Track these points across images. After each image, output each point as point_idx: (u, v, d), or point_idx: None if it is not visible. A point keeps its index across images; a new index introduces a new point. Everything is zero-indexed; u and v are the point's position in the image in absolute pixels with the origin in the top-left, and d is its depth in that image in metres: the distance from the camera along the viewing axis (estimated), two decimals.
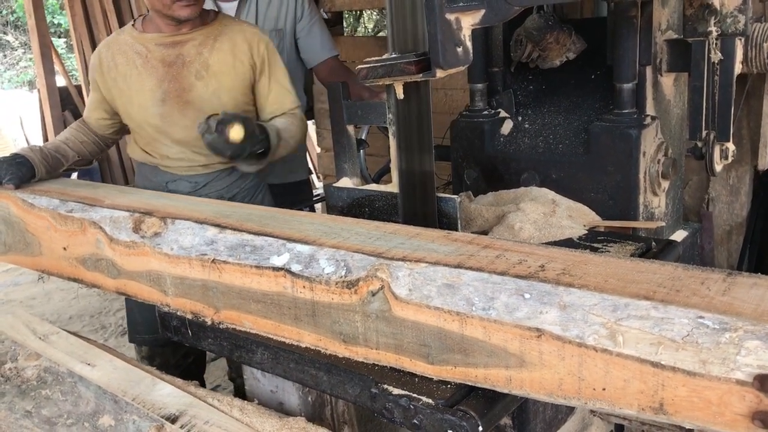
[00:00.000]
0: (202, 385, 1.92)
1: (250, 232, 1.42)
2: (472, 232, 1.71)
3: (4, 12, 13.00)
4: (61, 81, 6.40)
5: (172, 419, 1.35)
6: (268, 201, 2.42)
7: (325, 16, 3.99)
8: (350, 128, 1.99)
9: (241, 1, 2.78)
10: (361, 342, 1.24)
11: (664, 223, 1.96)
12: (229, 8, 2.78)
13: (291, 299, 1.32)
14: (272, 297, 1.35)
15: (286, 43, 2.86)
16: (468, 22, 1.36)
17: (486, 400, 1.14)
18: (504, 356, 1.07)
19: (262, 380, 1.56)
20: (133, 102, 2.18)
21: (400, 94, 1.50)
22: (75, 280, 1.80)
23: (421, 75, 1.41)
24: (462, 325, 1.10)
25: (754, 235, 2.64)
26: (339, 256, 1.26)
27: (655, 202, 1.94)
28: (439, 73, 1.38)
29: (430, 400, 1.15)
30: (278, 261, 1.32)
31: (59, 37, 11.68)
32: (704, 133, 1.80)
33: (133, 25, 2.22)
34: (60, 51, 8.73)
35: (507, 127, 2.11)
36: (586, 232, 1.79)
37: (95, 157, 2.36)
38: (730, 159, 1.89)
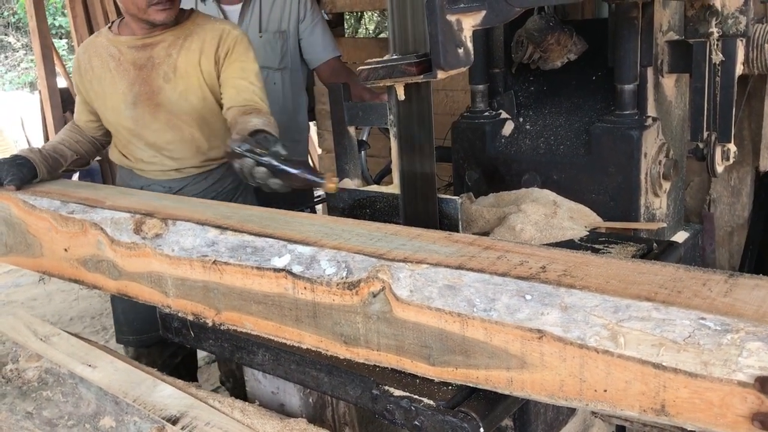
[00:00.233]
0: None
1: (251, 234, 1.41)
2: (473, 234, 1.71)
3: (6, 13, 13.02)
4: (62, 82, 6.40)
5: (173, 420, 1.35)
6: (250, 203, 2.37)
7: (327, 17, 3.99)
8: (351, 129, 1.99)
9: (245, 3, 2.79)
10: (362, 343, 1.24)
11: (665, 225, 1.96)
12: (233, 11, 2.79)
13: (292, 300, 1.32)
14: (273, 298, 1.35)
15: (289, 44, 2.86)
16: (469, 24, 1.36)
17: (487, 401, 1.14)
18: (505, 357, 1.07)
19: (263, 381, 1.56)
20: (107, 105, 2.18)
21: (401, 96, 1.50)
22: (76, 281, 1.80)
23: (422, 76, 1.41)
24: (463, 326, 1.10)
25: (756, 237, 2.64)
26: (340, 257, 1.26)
27: (657, 203, 1.94)
28: (440, 75, 1.38)
29: (431, 402, 1.15)
30: (279, 262, 1.32)
31: (60, 38, 11.70)
32: (705, 134, 1.80)
33: (109, 27, 2.22)
34: (61, 52, 8.74)
35: (508, 128, 2.11)
36: (588, 233, 1.79)
37: (92, 157, 2.36)
38: (731, 160, 1.89)
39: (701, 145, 1.83)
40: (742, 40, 1.75)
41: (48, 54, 5.88)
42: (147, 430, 1.36)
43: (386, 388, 1.20)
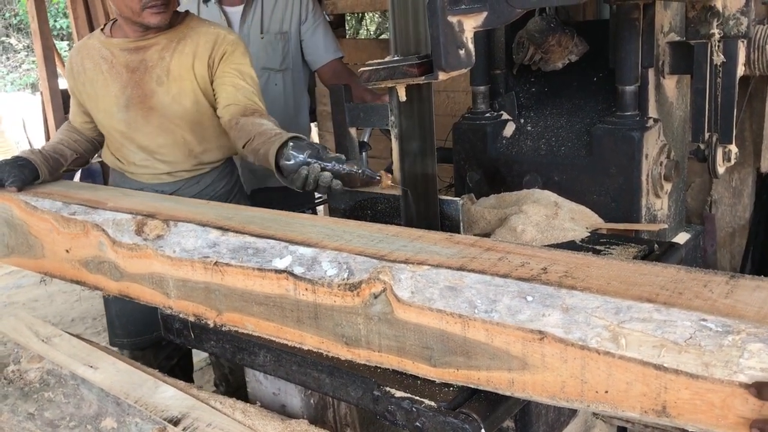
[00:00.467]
0: None
1: (252, 235, 1.42)
2: (475, 235, 1.71)
3: (7, 15, 13.05)
4: (63, 84, 6.40)
5: (175, 422, 1.35)
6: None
7: (328, 19, 4.00)
8: (353, 131, 1.99)
9: (246, 5, 2.79)
10: (364, 344, 1.24)
11: (666, 226, 1.96)
12: (235, 12, 2.80)
13: (293, 302, 1.32)
14: (275, 299, 1.35)
15: (291, 46, 2.86)
16: (470, 25, 1.36)
17: (488, 402, 1.14)
18: (506, 359, 1.07)
19: (265, 383, 1.56)
20: (99, 107, 2.18)
21: (403, 97, 1.50)
22: (78, 282, 1.80)
23: (423, 77, 1.41)
24: (464, 327, 1.10)
25: (757, 238, 2.64)
26: (341, 258, 1.27)
27: (658, 204, 1.94)
28: (442, 76, 1.38)
29: (432, 403, 1.15)
30: (281, 263, 1.32)
31: (62, 39, 11.71)
32: (707, 135, 1.80)
33: (102, 30, 2.21)
34: (63, 54, 8.75)
35: (509, 129, 2.11)
36: (589, 234, 1.79)
37: (91, 155, 2.36)
38: (732, 161, 1.88)
39: (702, 146, 1.83)
40: (743, 41, 1.75)
41: (49, 55, 5.89)
42: (148, 431, 1.36)
43: (387, 389, 1.20)
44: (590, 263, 1.14)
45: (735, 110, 1.77)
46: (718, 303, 0.96)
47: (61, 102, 6.03)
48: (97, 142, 2.35)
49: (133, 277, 1.61)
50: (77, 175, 5.44)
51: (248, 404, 1.43)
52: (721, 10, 1.67)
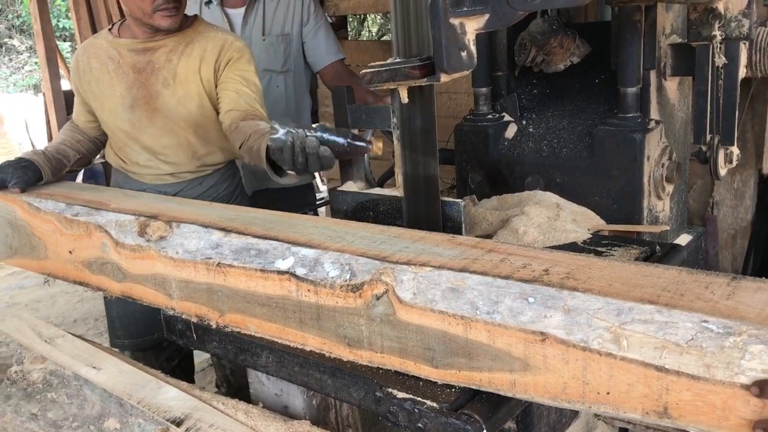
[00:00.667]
0: None
1: (255, 236, 1.42)
2: (477, 236, 1.72)
3: (10, 16, 13.07)
4: (66, 85, 6.42)
5: (178, 422, 1.36)
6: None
7: (330, 20, 4.00)
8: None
9: (248, 7, 2.79)
10: (366, 346, 1.25)
11: (668, 227, 1.96)
12: (236, 14, 2.80)
13: (296, 303, 1.32)
14: (277, 300, 1.35)
15: (293, 47, 2.87)
16: (472, 27, 1.37)
17: (490, 403, 1.14)
18: (508, 360, 1.07)
19: (267, 384, 1.57)
20: (104, 107, 2.19)
21: (405, 99, 1.50)
22: (80, 283, 1.81)
23: (425, 79, 1.41)
24: (466, 328, 1.10)
25: (759, 239, 2.64)
26: (343, 259, 1.27)
27: (660, 206, 1.94)
28: (444, 78, 1.38)
29: (434, 404, 1.15)
30: (283, 265, 1.33)
31: (65, 41, 11.73)
32: (709, 137, 1.80)
33: (109, 29, 2.22)
34: (65, 55, 8.77)
35: (511, 131, 2.11)
36: (591, 236, 1.79)
37: (93, 155, 2.37)
38: (734, 163, 1.89)
39: (704, 148, 1.83)
40: (745, 43, 1.76)
41: (52, 56, 5.90)
42: (151, 431, 1.37)
43: (389, 390, 1.20)
44: (592, 265, 1.14)
45: (737, 112, 1.77)
46: (720, 304, 0.97)
47: (64, 103, 6.04)
48: (100, 141, 2.36)
49: (135, 278, 1.62)
50: (80, 176, 5.45)
51: (251, 405, 1.43)
52: (722, 12, 1.67)
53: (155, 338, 2.28)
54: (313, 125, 1.56)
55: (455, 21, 1.34)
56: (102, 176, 5.91)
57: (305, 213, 2.53)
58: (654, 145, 1.85)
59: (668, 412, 0.95)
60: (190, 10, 2.45)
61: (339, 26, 4.34)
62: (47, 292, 4.66)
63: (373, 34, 9.95)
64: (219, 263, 1.42)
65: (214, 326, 1.49)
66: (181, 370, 2.52)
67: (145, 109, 2.13)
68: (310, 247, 1.33)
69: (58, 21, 11.39)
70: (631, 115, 1.84)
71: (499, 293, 1.09)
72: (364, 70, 1.47)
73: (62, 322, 4.23)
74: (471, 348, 1.11)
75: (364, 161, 2.02)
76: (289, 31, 2.85)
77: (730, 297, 0.99)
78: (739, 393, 0.88)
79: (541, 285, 1.07)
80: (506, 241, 1.74)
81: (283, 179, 1.67)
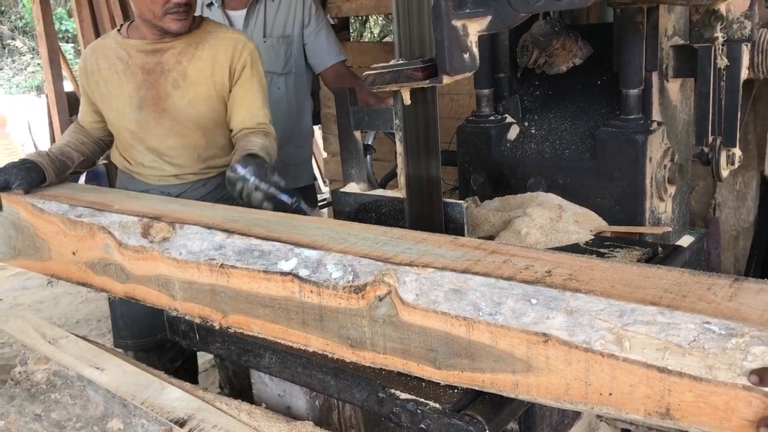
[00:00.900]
0: None
1: (258, 237, 1.42)
2: (479, 238, 1.72)
3: (13, 18, 13.09)
4: (69, 86, 6.43)
5: (181, 423, 1.36)
6: None
7: (332, 22, 4.01)
8: (357, 134, 1.99)
9: (249, 9, 2.80)
10: (369, 347, 1.25)
11: (670, 229, 1.96)
12: (238, 16, 2.81)
13: (298, 304, 1.32)
14: (280, 302, 1.35)
15: (294, 49, 2.87)
16: (475, 29, 1.37)
17: (493, 404, 1.15)
18: (511, 361, 1.07)
19: (270, 384, 1.57)
20: (111, 107, 2.20)
21: (407, 100, 1.51)
22: (84, 284, 1.81)
23: (427, 81, 1.41)
24: (469, 330, 1.10)
25: (761, 241, 2.64)
26: (346, 261, 1.27)
27: (662, 207, 1.94)
28: (446, 80, 1.38)
29: (437, 405, 1.15)
30: (286, 266, 1.33)
31: (67, 42, 11.75)
32: (711, 138, 1.80)
33: (118, 30, 2.23)
34: (68, 56, 8.78)
35: (513, 132, 2.11)
36: (593, 237, 1.80)
37: (97, 157, 2.38)
38: (736, 164, 1.89)
39: (706, 150, 1.83)
40: (747, 45, 1.76)
41: (55, 58, 5.91)
42: None
43: (392, 391, 1.21)
44: (594, 266, 1.15)
45: (739, 113, 1.78)
46: (722, 306, 0.97)
47: (66, 104, 6.05)
48: (104, 143, 2.37)
49: (139, 279, 1.62)
50: (82, 178, 5.45)
51: (253, 406, 1.44)
52: (724, 14, 1.67)
53: (159, 339, 2.29)
54: (273, 178, 1.75)
55: (458, 23, 1.34)
56: (105, 178, 5.92)
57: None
58: (656, 146, 1.85)
59: (670, 413, 0.95)
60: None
61: (341, 28, 4.35)
62: (50, 293, 4.67)
63: (375, 35, 9.96)
64: (222, 264, 1.42)
65: (217, 327, 1.50)
66: (184, 371, 2.53)
67: (153, 109, 2.14)
68: (313, 248, 1.34)
69: (61, 23, 11.41)
70: (633, 116, 1.84)
71: (502, 294, 1.09)
72: (366, 72, 1.47)
73: (65, 322, 4.23)
74: (474, 349, 1.11)
75: (366, 162, 2.02)
76: (290, 33, 2.85)
77: (733, 298, 0.99)
78: (742, 394, 0.89)
79: (543, 286, 1.07)
80: (508, 242, 1.74)
81: None
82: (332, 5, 4.06)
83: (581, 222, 1.85)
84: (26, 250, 1.95)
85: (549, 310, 1.04)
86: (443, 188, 1.66)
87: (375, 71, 1.48)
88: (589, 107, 2.04)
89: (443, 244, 1.31)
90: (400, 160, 1.65)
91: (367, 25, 9.75)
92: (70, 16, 10.90)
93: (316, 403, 1.50)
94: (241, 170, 1.75)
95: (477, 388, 1.14)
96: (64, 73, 6.34)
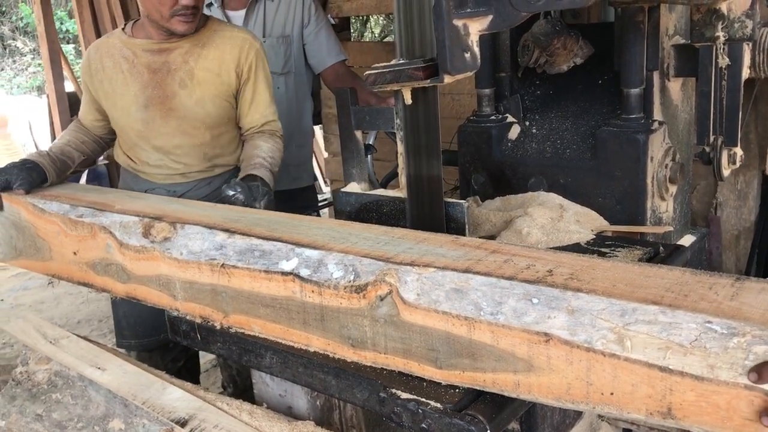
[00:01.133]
0: None
1: (259, 237, 1.42)
2: (480, 237, 1.72)
3: (14, 18, 13.10)
4: (69, 87, 6.44)
5: (182, 423, 1.36)
6: None
7: (333, 22, 4.01)
8: (358, 134, 1.99)
9: (249, 9, 2.80)
10: (370, 346, 1.25)
11: (671, 228, 1.96)
12: (238, 16, 2.81)
13: (300, 304, 1.32)
14: (281, 301, 1.35)
15: (293, 49, 2.87)
16: (476, 28, 1.37)
17: (494, 404, 1.15)
18: (512, 361, 1.07)
19: (271, 384, 1.57)
20: (117, 105, 2.20)
21: (408, 100, 1.51)
22: (85, 284, 1.81)
23: (428, 81, 1.41)
24: (470, 329, 1.10)
25: (763, 240, 2.64)
26: (347, 260, 1.27)
27: (663, 206, 1.94)
28: (447, 79, 1.38)
29: (438, 405, 1.15)
30: (287, 266, 1.33)
31: (68, 43, 11.75)
32: (712, 137, 1.80)
33: (123, 29, 2.24)
34: (69, 57, 8.79)
35: (514, 132, 2.11)
36: (594, 236, 1.79)
37: (97, 156, 2.39)
38: (737, 164, 1.89)
39: (708, 149, 1.83)
40: (748, 44, 1.76)
41: (56, 58, 5.91)
42: None
43: (393, 391, 1.21)
44: (595, 265, 1.14)
45: (740, 113, 1.77)
46: (724, 305, 0.97)
47: (68, 105, 6.06)
48: (104, 141, 2.37)
49: (140, 279, 1.62)
50: (83, 178, 5.46)
51: (255, 406, 1.44)
52: (726, 13, 1.67)
53: (161, 339, 2.29)
54: (257, 202, 1.89)
55: (458, 22, 1.34)
56: (106, 178, 5.93)
57: (309, 214, 2.54)
58: (657, 146, 1.85)
59: (672, 413, 0.95)
60: None
61: (342, 28, 4.34)
62: (51, 294, 4.67)
63: (376, 35, 9.96)
64: (223, 264, 1.42)
65: (218, 327, 1.50)
66: (186, 371, 2.53)
67: (160, 108, 2.15)
68: (314, 248, 1.34)
69: (62, 23, 11.42)
70: (634, 116, 1.84)
71: (503, 294, 1.09)
72: (367, 72, 1.47)
73: (66, 323, 4.23)
74: (475, 349, 1.11)
75: (367, 162, 2.02)
76: (289, 33, 2.85)
77: (734, 298, 0.99)
78: (743, 393, 0.88)
79: (544, 286, 1.07)
80: (510, 242, 1.74)
81: None
82: (333, 5, 4.06)
83: (582, 222, 1.85)
84: (27, 250, 1.95)
85: (550, 310, 1.04)
86: (444, 188, 1.66)
87: (376, 71, 1.48)
88: (590, 107, 2.03)
89: (444, 244, 1.30)
90: (401, 160, 1.65)
91: (368, 25, 9.76)
92: (70, 17, 10.91)
93: (318, 403, 1.50)
94: (231, 192, 1.87)
95: (478, 388, 1.14)
96: (65, 73, 6.34)
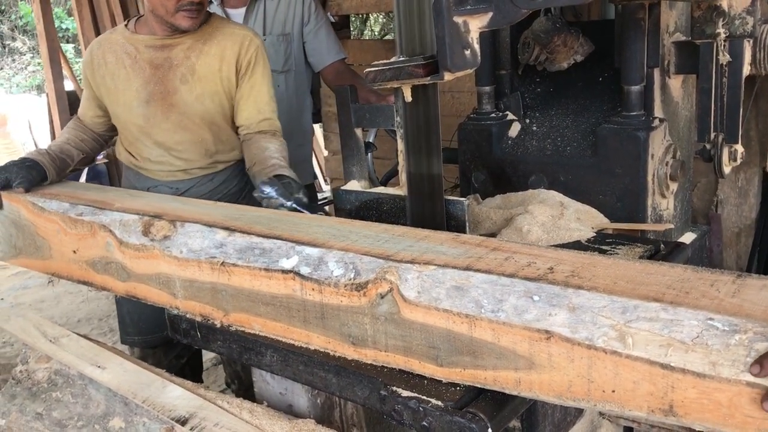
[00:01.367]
0: None
1: (259, 235, 1.42)
2: (480, 235, 1.71)
3: (13, 17, 13.09)
4: (69, 85, 6.43)
5: (182, 421, 1.36)
6: (255, 204, 2.40)
7: (332, 20, 4.00)
8: (358, 131, 1.99)
9: (249, 7, 2.80)
10: (370, 344, 1.25)
11: (672, 226, 1.96)
12: (237, 14, 2.80)
13: (300, 302, 1.32)
14: (281, 299, 1.35)
15: (293, 47, 2.87)
16: (476, 25, 1.37)
17: (495, 402, 1.14)
18: (513, 358, 1.07)
19: (272, 382, 1.57)
20: (119, 101, 2.20)
21: (408, 97, 1.50)
22: (85, 283, 1.81)
23: (429, 78, 1.41)
24: (471, 327, 1.10)
25: (763, 237, 2.63)
26: (348, 258, 1.27)
27: (664, 204, 1.93)
28: (447, 76, 1.38)
29: (439, 402, 1.15)
30: (287, 264, 1.33)
31: (67, 41, 11.74)
32: (713, 135, 1.79)
33: (126, 25, 2.24)
34: (68, 56, 8.78)
35: (515, 129, 2.11)
36: (595, 234, 1.79)
37: (96, 154, 2.40)
38: (738, 161, 1.88)
39: (708, 146, 1.82)
40: (749, 41, 1.75)
41: (55, 57, 5.90)
42: (156, 430, 1.37)
43: (394, 388, 1.20)
44: (596, 263, 1.14)
45: (741, 110, 1.77)
46: (725, 302, 0.96)
47: (67, 103, 6.05)
48: (103, 139, 2.38)
49: (140, 277, 1.62)
50: (83, 176, 5.46)
51: (255, 404, 1.43)
52: (726, 10, 1.67)
53: (165, 336, 2.27)
54: (295, 194, 1.78)
55: (459, 19, 1.34)
56: (105, 176, 5.92)
57: None
58: (658, 143, 1.85)
59: (674, 410, 0.94)
60: None
61: (341, 26, 4.33)
62: (51, 292, 4.67)
63: (376, 33, 9.95)
64: (223, 262, 1.42)
65: (218, 325, 1.49)
66: (189, 368, 2.53)
67: (161, 104, 2.15)
68: (314, 246, 1.34)
69: (61, 22, 11.40)
70: (634, 113, 1.83)
71: (504, 291, 1.09)
72: (367, 69, 1.47)
73: (66, 321, 4.23)
74: (476, 346, 1.11)
75: (367, 160, 2.02)
76: (289, 31, 2.85)
77: (736, 295, 0.98)
78: (745, 390, 0.88)
79: (545, 283, 1.07)
80: (510, 239, 1.74)
81: None
82: (333, 3, 4.05)
83: (583, 219, 1.85)
84: (27, 248, 1.95)
85: (551, 307, 1.04)
86: (444, 186, 1.66)
87: (376, 68, 1.47)
88: (591, 104, 2.03)
89: (445, 242, 1.30)
90: (401, 158, 1.65)
91: (368, 23, 9.75)
92: (69, 15, 10.89)
93: (318, 401, 1.50)
94: (267, 189, 1.79)
95: (479, 386, 1.14)
96: (65, 72, 6.33)
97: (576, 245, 1.71)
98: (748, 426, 0.89)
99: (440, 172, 1.62)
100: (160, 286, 1.58)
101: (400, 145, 1.63)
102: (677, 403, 0.94)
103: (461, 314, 1.11)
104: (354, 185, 1.97)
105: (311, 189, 3.18)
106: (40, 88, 11.78)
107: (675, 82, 1.95)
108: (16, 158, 2.08)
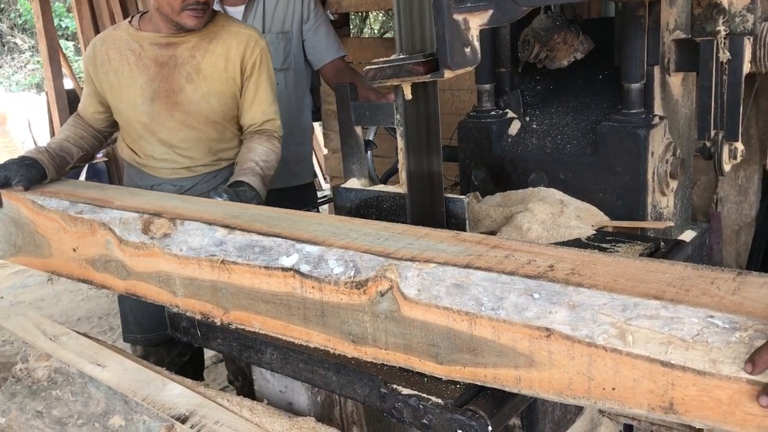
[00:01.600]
0: None
1: (259, 233, 1.42)
2: (480, 233, 1.71)
3: (12, 15, 13.08)
4: (68, 84, 6.43)
5: (182, 419, 1.36)
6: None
7: (332, 18, 4.00)
8: (358, 129, 1.99)
9: (248, 5, 2.79)
10: (370, 342, 1.25)
11: (672, 223, 1.96)
12: (236, 12, 2.80)
13: (300, 300, 1.32)
14: (281, 297, 1.35)
15: (292, 45, 2.87)
16: (476, 23, 1.36)
17: (495, 399, 1.14)
18: (513, 356, 1.07)
19: (272, 380, 1.57)
20: (122, 98, 2.20)
21: (408, 95, 1.50)
22: (85, 281, 1.81)
23: (429, 76, 1.41)
24: (471, 325, 1.10)
25: (763, 235, 2.64)
26: (348, 256, 1.27)
27: (664, 202, 1.93)
28: (447, 74, 1.38)
29: (439, 400, 1.15)
30: (287, 261, 1.33)
31: (67, 40, 11.74)
32: (713, 132, 1.79)
33: (130, 21, 2.24)
34: (68, 54, 8.77)
35: (514, 127, 2.11)
36: (595, 232, 1.79)
37: (96, 151, 2.40)
38: (738, 159, 1.88)
39: (708, 144, 1.82)
40: (749, 39, 1.75)
41: (55, 56, 5.91)
42: (156, 428, 1.37)
43: (394, 386, 1.20)
44: (597, 261, 1.14)
45: (741, 108, 1.77)
46: (726, 300, 0.96)
47: (67, 102, 6.05)
48: (103, 136, 2.38)
49: (139, 275, 1.62)
50: (83, 174, 5.46)
51: (255, 402, 1.43)
52: (726, 7, 1.66)
53: (167, 334, 2.29)
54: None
55: (459, 17, 1.33)
56: (105, 175, 5.92)
57: (308, 210, 2.53)
58: (658, 141, 1.85)
59: (674, 408, 0.94)
60: None
61: (341, 23, 4.33)
62: (51, 291, 4.67)
63: (376, 31, 9.94)
64: (223, 260, 1.42)
65: (218, 323, 1.49)
66: (191, 365, 2.53)
67: (166, 102, 2.16)
68: (314, 243, 1.33)
69: (61, 20, 11.39)
70: (634, 111, 1.83)
71: (504, 289, 1.09)
72: (367, 67, 1.47)
73: (66, 320, 4.24)
74: (476, 344, 1.10)
75: (367, 158, 2.02)
76: (289, 29, 2.85)
77: (736, 292, 0.98)
78: (746, 388, 0.88)
79: (546, 281, 1.07)
80: (510, 237, 1.74)
81: None
82: (332, 1, 4.05)
83: (583, 217, 1.85)
84: (27, 247, 1.95)
85: (551, 305, 1.04)
86: (444, 184, 1.66)
87: (376, 66, 1.47)
88: (591, 102, 2.03)
89: (445, 240, 1.30)
90: (401, 156, 1.64)
91: (368, 21, 9.74)
92: (68, 11, 10.88)
93: (318, 399, 1.50)
94: (219, 198, 1.88)
95: (479, 384, 1.14)
96: (64, 70, 6.33)
97: (576, 243, 1.71)
98: (748, 423, 0.89)
99: (440, 170, 1.62)
100: (160, 284, 1.58)
101: (400, 143, 1.63)
102: (677, 401, 0.94)
103: (461, 312, 1.11)
104: (354, 183, 1.96)
105: (311, 187, 3.18)
106: (39, 87, 11.78)
107: (675, 80, 1.94)
108: (15, 156, 2.08)
